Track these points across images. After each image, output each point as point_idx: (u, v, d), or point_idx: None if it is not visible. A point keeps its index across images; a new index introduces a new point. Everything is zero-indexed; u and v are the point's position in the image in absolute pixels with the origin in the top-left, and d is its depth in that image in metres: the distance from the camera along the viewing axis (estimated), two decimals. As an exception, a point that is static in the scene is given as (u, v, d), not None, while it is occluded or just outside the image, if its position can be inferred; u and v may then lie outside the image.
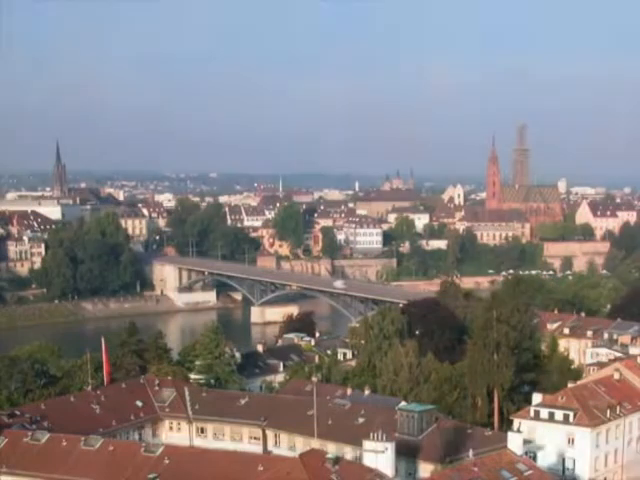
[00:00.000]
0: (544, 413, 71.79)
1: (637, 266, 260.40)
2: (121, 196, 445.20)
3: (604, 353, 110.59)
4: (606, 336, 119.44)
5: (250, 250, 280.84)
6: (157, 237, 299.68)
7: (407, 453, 65.74)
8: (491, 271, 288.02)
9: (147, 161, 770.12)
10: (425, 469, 63.72)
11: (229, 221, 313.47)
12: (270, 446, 75.87)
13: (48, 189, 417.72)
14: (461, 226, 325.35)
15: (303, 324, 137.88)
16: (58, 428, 68.86)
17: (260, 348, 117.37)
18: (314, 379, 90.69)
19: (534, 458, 66.08)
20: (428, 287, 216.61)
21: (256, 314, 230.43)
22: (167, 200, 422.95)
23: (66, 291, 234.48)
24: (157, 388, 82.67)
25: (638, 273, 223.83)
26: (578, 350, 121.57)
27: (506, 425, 76.65)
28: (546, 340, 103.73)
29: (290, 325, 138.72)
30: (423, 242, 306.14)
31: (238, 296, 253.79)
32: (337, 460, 55.44)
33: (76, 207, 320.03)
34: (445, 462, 62.83)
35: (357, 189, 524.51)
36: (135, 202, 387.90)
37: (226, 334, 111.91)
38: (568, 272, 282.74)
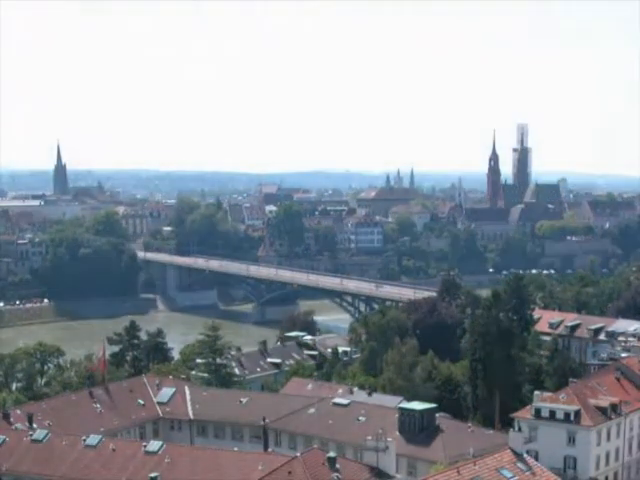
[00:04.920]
0: (545, 412, 71.75)
1: (638, 265, 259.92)
2: (121, 196, 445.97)
3: (605, 352, 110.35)
4: (607, 335, 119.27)
5: (251, 249, 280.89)
6: (157, 236, 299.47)
7: (408, 452, 65.83)
8: (491, 270, 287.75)
9: (147, 161, 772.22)
10: (426, 468, 63.63)
11: (230, 220, 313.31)
12: (271, 445, 75.76)
13: (49, 189, 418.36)
14: (461, 225, 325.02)
15: (304, 323, 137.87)
16: (59, 427, 68.81)
17: (261, 347, 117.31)
18: (314, 378, 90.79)
19: (535, 457, 65.95)
20: (428, 286, 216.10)
21: (257, 313, 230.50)
22: (167, 199, 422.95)
23: (66, 290, 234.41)
24: (158, 387, 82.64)
25: (638, 272, 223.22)
26: (579, 349, 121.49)
27: (507, 424, 76.54)
28: (547, 339, 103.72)
29: (291, 324, 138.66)
30: (423, 241, 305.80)
31: (239, 295, 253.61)
32: (337, 459, 55.32)
33: (76, 206, 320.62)
34: (446, 461, 62.76)
35: (358, 188, 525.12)
36: (135, 201, 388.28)
37: (226, 333, 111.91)
38: (569, 271, 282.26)
